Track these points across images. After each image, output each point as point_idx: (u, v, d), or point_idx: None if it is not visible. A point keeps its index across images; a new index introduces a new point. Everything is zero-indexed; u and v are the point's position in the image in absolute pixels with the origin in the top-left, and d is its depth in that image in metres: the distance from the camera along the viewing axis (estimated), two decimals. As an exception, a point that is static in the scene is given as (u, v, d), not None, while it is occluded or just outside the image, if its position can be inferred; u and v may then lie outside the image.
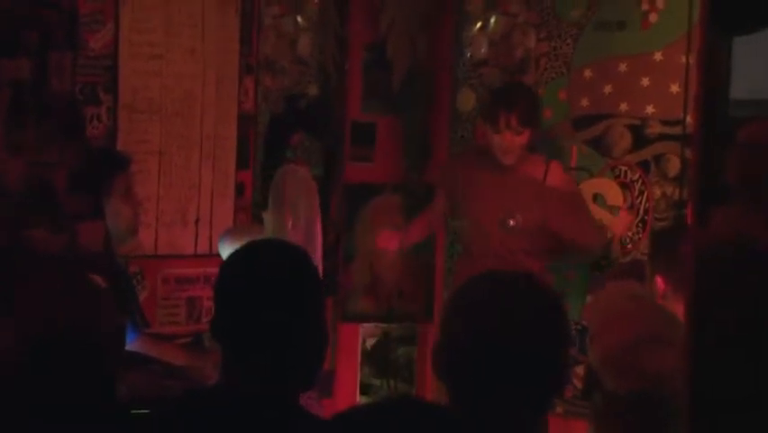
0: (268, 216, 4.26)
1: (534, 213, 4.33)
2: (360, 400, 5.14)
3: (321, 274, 2.93)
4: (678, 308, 3.42)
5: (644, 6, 4.63)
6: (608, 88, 4.72)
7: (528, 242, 4.34)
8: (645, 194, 4.64)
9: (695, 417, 2.19)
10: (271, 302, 2.13)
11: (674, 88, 4.55)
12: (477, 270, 4.19)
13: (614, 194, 4.72)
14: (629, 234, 4.67)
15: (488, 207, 4.38)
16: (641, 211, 4.66)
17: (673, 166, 4.57)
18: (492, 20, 4.96)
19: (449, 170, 4.69)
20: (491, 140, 4.35)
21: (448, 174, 4.65)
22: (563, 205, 4.40)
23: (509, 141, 4.29)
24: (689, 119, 4.44)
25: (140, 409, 2.27)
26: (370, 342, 5.26)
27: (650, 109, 4.62)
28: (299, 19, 4.88)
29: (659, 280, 3.54)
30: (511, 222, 4.30)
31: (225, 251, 4.16)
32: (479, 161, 4.50)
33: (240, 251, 2.26)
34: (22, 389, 2.10)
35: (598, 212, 4.73)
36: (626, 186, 4.69)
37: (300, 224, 4.11)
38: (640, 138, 4.65)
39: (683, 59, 4.51)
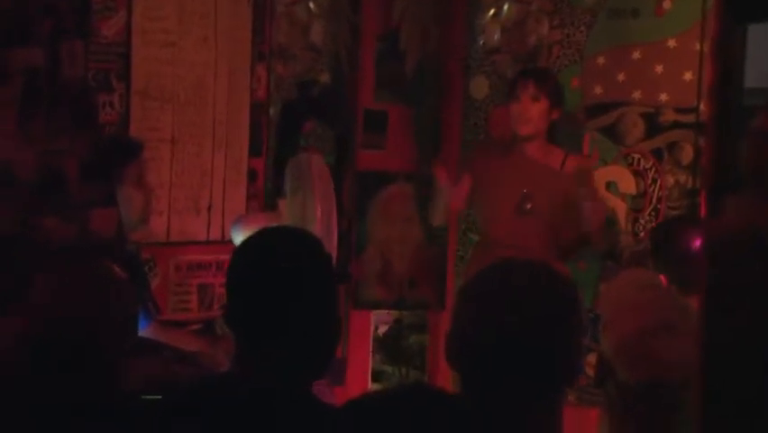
0: (286, 204, 4.26)
1: (551, 199, 4.32)
2: (371, 387, 5.15)
3: (335, 262, 2.93)
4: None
5: (658, -7, 4.62)
6: (621, 76, 4.71)
7: (545, 229, 4.34)
8: (659, 182, 4.63)
9: (707, 405, 2.18)
10: (284, 290, 2.13)
11: (688, 76, 4.53)
12: (491, 258, 4.21)
13: (627, 182, 4.71)
14: (642, 222, 4.66)
15: (505, 193, 4.37)
16: (654, 199, 4.65)
17: (687, 154, 4.56)
18: (505, 7, 4.94)
19: (471, 158, 4.67)
20: (511, 113, 4.34)
21: (472, 166, 4.60)
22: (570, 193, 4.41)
23: (527, 107, 4.29)
24: (702, 107, 4.43)
25: (151, 395, 2.28)
26: (382, 329, 5.27)
27: (663, 97, 4.60)
28: (312, 6, 4.87)
29: (662, 278, 3.52)
30: (528, 205, 4.30)
31: (238, 238, 4.17)
32: (496, 150, 4.51)
33: (252, 238, 2.25)
34: (36, 373, 2.11)
35: (611, 199, 4.73)
36: (639, 174, 4.68)
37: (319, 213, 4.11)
38: (653, 126, 4.64)
39: (697, 47, 4.49)
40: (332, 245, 4.12)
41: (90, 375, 2.11)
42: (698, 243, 3.38)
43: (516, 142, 4.40)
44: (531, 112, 4.31)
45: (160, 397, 2.22)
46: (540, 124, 4.33)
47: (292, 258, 2.17)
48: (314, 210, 4.07)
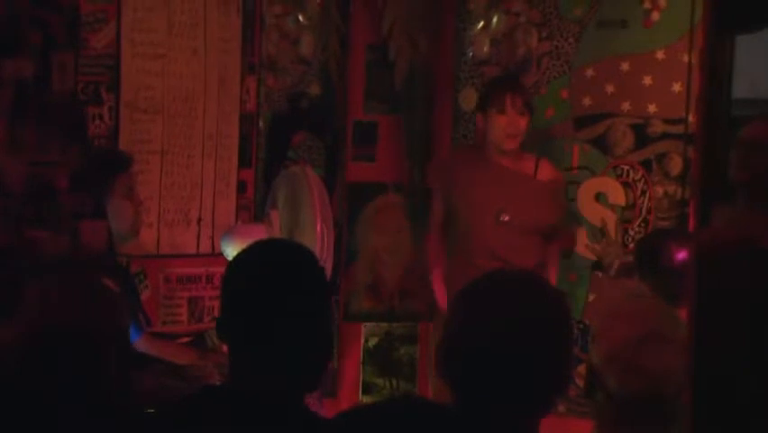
0: (277, 215, 4.25)
1: (529, 209, 4.33)
2: (362, 399, 5.14)
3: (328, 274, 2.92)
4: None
5: (647, 5, 4.63)
6: (610, 87, 4.72)
7: (523, 239, 4.34)
8: (648, 193, 4.64)
9: (697, 415, 2.19)
10: (278, 302, 2.13)
11: (676, 87, 4.55)
12: (470, 270, 4.22)
13: (616, 193, 4.72)
14: (632, 233, 4.67)
15: (482, 204, 4.37)
16: (643, 210, 4.66)
17: (676, 165, 4.58)
18: (494, 19, 4.96)
19: (443, 171, 4.65)
20: (495, 125, 4.34)
21: (442, 174, 4.62)
22: (551, 200, 4.46)
23: (516, 122, 4.30)
24: (691, 118, 4.44)
25: (143, 408, 2.27)
26: (373, 341, 5.26)
27: (652, 108, 4.62)
28: (301, 18, 4.88)
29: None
30: (505, 217, 4.29)
31: (228, 250, 4.16)
32: (471, 160, 4.49)
33: (247, 250, 2.26)
34: (26, 388, 2.10)
35: (600, 211, 4.74)
36: (628, 185, 4.69)
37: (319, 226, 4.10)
38: (642, 137, 4.65)
39: (685, 58, 4.51)
40: (330, 258, 4.11)
41: (81, 388, 2.11)
42: (683, 255, 3.39)
43: (489, 152, 4.39)
44: (519, 126, 4.33)
45: (152, 410, 2.22)
46: (518, 144, 4.37)
47: (286, 271, 2.18)
48: (312, 223, 4.06)
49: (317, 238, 3.98)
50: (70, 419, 2.09)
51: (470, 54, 5.09)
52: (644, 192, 4.65)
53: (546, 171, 4.48)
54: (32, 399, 2.09)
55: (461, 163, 4.54)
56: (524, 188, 4.37)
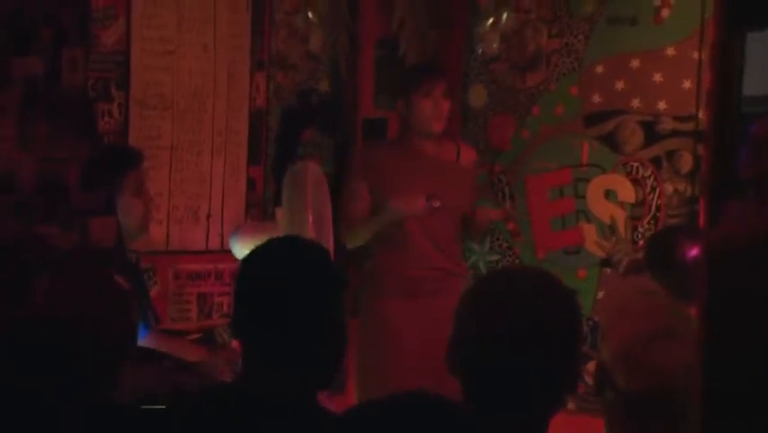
0: (282, 212, 4.25)
1: (456, 194, 4.30)
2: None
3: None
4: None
5: (657, 2, 4.62)
6: (619, 84, 4.72)
7: (453, 225, 4.32)
8: (657, 190, 4.63)
9: (707, 413, 2.19)
10: (291, 299, 2.14)
11: (687, 84, 4.54)
12: (403, 261, 4.19)
13: (626, 190, 4.71)
14: (641, 230, 4.66)
15: (411, 192, 4.30)
16: (653, 208, 4.65)
17: (686, 162, 4.57)
18: (504, 16, 4.95)
19: (365, 166, 4.40)
20: (420, 109, 4.29)
21: (365, 169, 4.39)
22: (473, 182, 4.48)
23: (441, 104, 4.27)
24: (701, 115, 4.43)
25: (153, 405, 2.27)
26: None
27: (662, 105, 4.61)
28: (311, 15, 4.88)
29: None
30: (436, 203, 4.24)
31: (237, 247, 4.17)
32: (393, 152, 4.38)
33: (260, 248, 2.26)
34: (33, 383, 2.10)
35: (610, 208, 4.73)
36: (637, 182, 4.68)
37: (314, 220, 4.10)
38: (652, 134, 4.64)
39: (696, 55, 4.50)
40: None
41: (90, 384, 2.11)
42: (694, 252, 3.39)
43: (408, 140, 4.35)
44: (444, 109, 4.30)
45: (162, 407, 2.22)
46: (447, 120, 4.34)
47: (299, 268, 2.18)
48: (305, 217, 4.06)
49: (308, 232, 3.98)
50: (70, 419, 2.09)
51: (480, 51, 5.09)
52: (653, 189, 4.64)
53: (468, 155, 4.46)
54: (32, 399, 2.09)
55: (384, 157, 4.37)
56: (451, 174, 4.34)
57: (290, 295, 2.14)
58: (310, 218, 4.06)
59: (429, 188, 4.21)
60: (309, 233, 3.99)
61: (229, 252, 4.29)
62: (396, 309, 4.23)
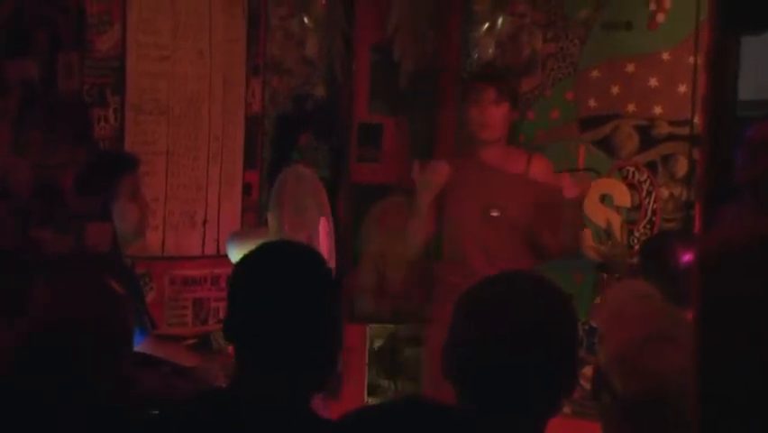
0: (270, 217, 4.26)
1: (518, 204, 4.28)
2: (367, 401, 5.14)
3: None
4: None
5: (652, 6, 4.63)
6: (615, 89, 4.72)
7: (513, 240, 4.30)
8: (653, 195, 4.63)
9: (703, 418, 2.18)
10: (285, 304, 2.14)
11: (682, 89, 4.55)
12: (460, 273, 4.15)
13: (621, 195, 4.72)
14: (637, 234, 4.66)
15: (468, 205, 4.32)
16: (649, 212, 4.65)
17: (681, 167, 4.57)
18: (499, 20, 4.95)
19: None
20: (469, 117, 4.31)
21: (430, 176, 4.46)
22: (539, 196, 4.33)
23: (489, 112, 4.27)
24: (696, 119, 4.44)
25: (149, 410, 2.27)
26: (378, 343, 5.26)
27: (657, 110, 4.62)
28: (306, 20, 4.88)
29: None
30: (494, 213, 4.24)
31: (233, 253, 4.16)
32: (460, 163, 4.42)
33: (254, 252, 2.26)
34: (26, 388, 2.10)
35: (606, 212, 4.73)
36: (633, 186, 4.69)
37: (306, 224, 4.10)
38: (648, 139, 4.65)
39: (691, 60, 4.50)
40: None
41: (87, 389, 2.11)
42: (689, 256, 3.39)
43: (472, 150, 4.36)
44: (492, 117, 4.29)
45: (158, 412, 2.22)
46: (502, 127, 4.33)
47: (294, 272, 2.18)
48: (282, 223, 4.07)
49: (286, 237, 3.98)
50: (70, 419, 2.09)
51: (476, 56, 5.09)
52: (649, 194, 4.65)
53: (539, 167, 4.43)
54: (32, 399, 2.09)
55: (450, 167, 4.38)
56: (513, 187, 4.31)
57: (282, 298, 2.14)
58: (286, 224, 4.06)
59: (487, 200, 4.20)
60: (286, 237, 3.99)
61: (225, 257, 4.29)
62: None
